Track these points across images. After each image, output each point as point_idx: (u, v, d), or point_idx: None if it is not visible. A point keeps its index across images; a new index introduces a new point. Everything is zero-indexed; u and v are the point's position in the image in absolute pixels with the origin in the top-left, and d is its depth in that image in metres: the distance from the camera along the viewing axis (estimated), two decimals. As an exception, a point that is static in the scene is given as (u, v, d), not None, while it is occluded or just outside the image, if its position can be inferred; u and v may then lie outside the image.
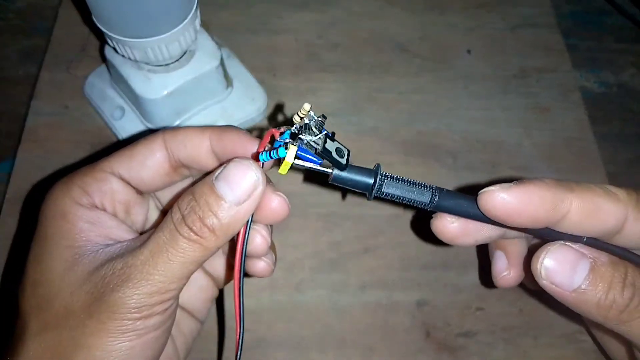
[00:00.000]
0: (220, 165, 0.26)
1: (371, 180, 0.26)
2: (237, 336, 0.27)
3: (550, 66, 0.55)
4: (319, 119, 0.25)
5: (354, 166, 0.26)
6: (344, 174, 0.26)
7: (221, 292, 0.41)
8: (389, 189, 0.27)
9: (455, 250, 0.45)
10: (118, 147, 0.30)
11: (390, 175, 0.27)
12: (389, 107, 0.51)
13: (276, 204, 0.27)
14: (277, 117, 0.49)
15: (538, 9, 0.59)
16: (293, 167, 0.25)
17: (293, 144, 0.25)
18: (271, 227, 0.30)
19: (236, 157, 0.26)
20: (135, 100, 0.43)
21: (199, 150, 0.28)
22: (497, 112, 0.52)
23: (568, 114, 0.53)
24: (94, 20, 0.37)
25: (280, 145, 0.25)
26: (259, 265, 0.30)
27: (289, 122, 0.26)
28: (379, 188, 0.26)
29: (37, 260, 0.26)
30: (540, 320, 0.43)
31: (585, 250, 0.26)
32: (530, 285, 0.37)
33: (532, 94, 0.53)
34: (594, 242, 0.27)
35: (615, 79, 0.56)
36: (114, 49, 0.39)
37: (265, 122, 0.49)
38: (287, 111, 0.50)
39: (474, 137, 0.50)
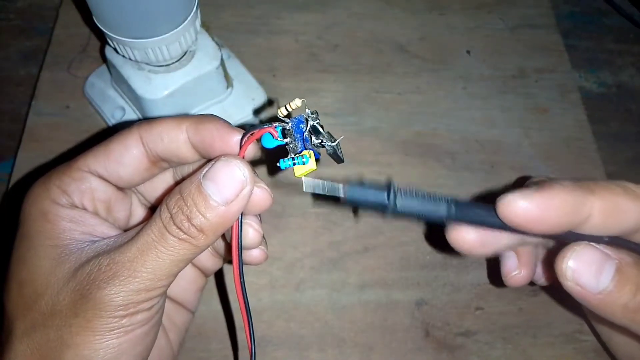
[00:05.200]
0: (208, 161, 0.26)
1: (385, 199, 0.25)
2: (248, 333, 0.27)
3: (549, 66, 0.55)
4: (314, 115, 0.25)
5: (366, 185, 0.26)
6: (356, 195, 0.25)
7: (224, 291, 0.42)
8: (404, 206, 0.26)
9: (454, 251, 0.45)
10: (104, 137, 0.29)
11: (404, 191, 0.26)
12: (388, 108, 0.52)
13: (259, 195, 0.27)
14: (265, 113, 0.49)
15: (537, 10, 0.59)
16: (301, 190, 0.25)
17: (309, 149, 0.25)
18: (260, 216, 0.29)
19: (223, 155, 0.25)
20: (136, 100, 0.43)
21: (176, 144, 0.27)
22: (496, 112, 0.52)
23: (567, 114, 0.53)
24: (95, 20, 0.37)
25: (299, 153, 0.25)
26: (254, 254, 0.30)
27: (280, 115, 0.26)
28: (394, 207, 0.26)
29: (22, 260, 0.26)
30: (540, 320, 0.43)
31: (609, 250, 0.25)
32: (540, 283, 0.37)
33: (531, 94, 0.54)
34: (616, 241, 0.27)
35: (614, 80, 0.57)
36: (115, 49, 0.39)
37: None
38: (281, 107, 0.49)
39: (473, 137, 0.51)
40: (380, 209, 0.26)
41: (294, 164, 0.25)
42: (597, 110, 0.54)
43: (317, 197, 0.46)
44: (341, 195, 0.25)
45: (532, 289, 0.44)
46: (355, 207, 0.26)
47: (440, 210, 0.26)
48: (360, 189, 0.26)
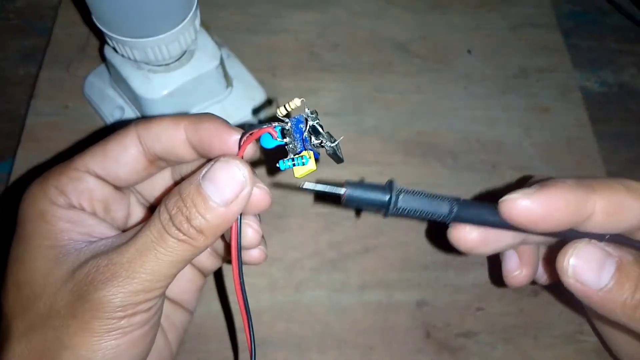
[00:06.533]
0: (207, 161, 0.26)
1: (386, 198, 0.25)
2: (248, 333, 0.27)
3: (550, 66, 0.55)
4: (313, 115, 0.25)
5: (367, 184, 0.25)
6: (357, 194, 0.25)
7: (224, 291, 0.41)
8: (406, 204, 0.25)
9: (455, 251, 0.44)
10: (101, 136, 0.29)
11: (406, 190, 0.26)
12: (389, 107, 0.51)
13: (258, 195, 0.26)
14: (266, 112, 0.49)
15: (538, 9, 0.59)
16: (300, 189, 0.25)
17: (310, 149, 0.25)
18: (259, 216, 0.29)
19: (222, 156, 0.25)
20: (135, 100, 0.43)
21: (174, 143, 0.27)
22: (497, 112, 0.52)
23: (568, 114, 0.53)
24: (94, 20, 0.37)
25: (299, 154, 0.25)
26: (253, 254, 0.30)
27: (279, 115, 0.25)
28: (395, 205, 0.25)
29: (20, 261, 0.26)
30: (540, 320, 0.43)
31: (610, 248, 0.26)
32: (541, 282, 0.37)
33: (533, 93, 0.53)
34: (617, 239, 0.27)
35: (616, 79, 0.56)
36: (114, 48, 0.39)
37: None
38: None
39: (474, 137, 0.50)
40: (382, 208, 0.25)
41: (294, 165, 0.25)
42: (599, 109, 0.54)
43: (318, 197, 0.46)
44: (342, 193, 0.25)
45: (532, 290, 0.44)
46: (356, 207, 0.26)
47: (442, 209, 0.26)
48: (361, 188, 0.25)
